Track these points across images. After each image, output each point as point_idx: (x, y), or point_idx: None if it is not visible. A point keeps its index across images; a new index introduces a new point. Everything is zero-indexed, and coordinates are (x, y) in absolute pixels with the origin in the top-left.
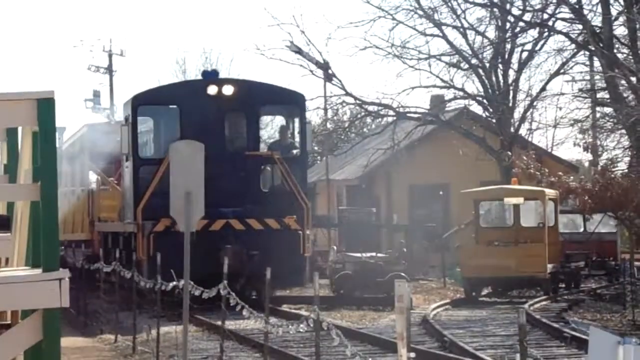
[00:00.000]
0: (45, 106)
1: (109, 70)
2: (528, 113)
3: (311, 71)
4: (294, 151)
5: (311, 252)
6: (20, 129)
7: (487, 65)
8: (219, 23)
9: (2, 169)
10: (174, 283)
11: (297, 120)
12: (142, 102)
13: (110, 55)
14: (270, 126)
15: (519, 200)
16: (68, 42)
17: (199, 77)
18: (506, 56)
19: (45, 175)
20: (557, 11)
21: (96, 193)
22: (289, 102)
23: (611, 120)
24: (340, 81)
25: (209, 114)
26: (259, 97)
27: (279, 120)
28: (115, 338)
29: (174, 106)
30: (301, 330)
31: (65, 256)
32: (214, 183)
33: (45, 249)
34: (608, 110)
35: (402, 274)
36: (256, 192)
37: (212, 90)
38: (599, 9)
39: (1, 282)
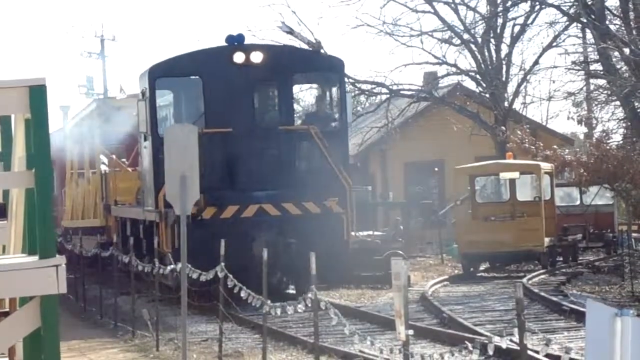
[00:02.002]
0: (37, 93)
1: (102, 55)
2: (521, 87)
3: None
4: (333, 124)
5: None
6: (13, 117)
7: (480, 40)
8: (210, 6)
9: None
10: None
11: (335, 89)
12: (160, 74)
13: (102, 41)
14: (305, 96)
15: (515, 174)
16: (60, 29)
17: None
18: (498, 30)
19: (39, 162)
20: None
21: (110, 175)
22: (325, 69)
23: (605, 92)
24: None
25: (236, 84)
26: (292, 65)
27: (315, 89)
28: (132, 334)
29: (197, 77)
30: (299, 310)
31: (73, 245)
32: (245, 163)
33: (42, 236)
34: (601, 82)
35: (399, 251)
36: (292, 172)
37: (238, 57)
38: None
39: None
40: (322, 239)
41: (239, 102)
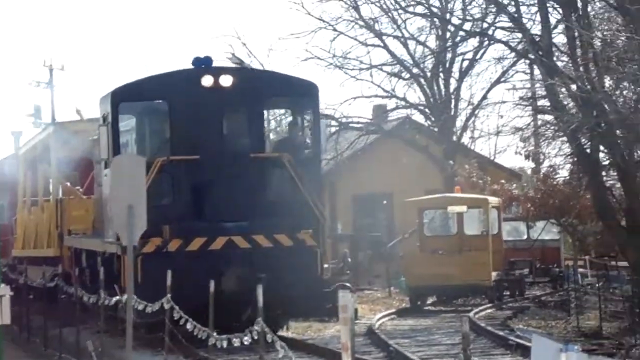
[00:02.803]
0: None
1: (50, 84)
2: (470, 121)
3: None
4: (306, 151)
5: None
6: None
7: (429, 74)
8: (160, 36)
9: None
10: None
11: (308, 115)
12: (123, 98)
13: (51, 70)
14: (277, 122)
15: (462, 208)
16: (8, 57)
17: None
18: (447, 65)
19: None
20: (496, 20)
21: (65, 203)
22: (299, 94)
23: (552, 127)
24: None
25: (204, 109)
26: (263, 89)
27: (288, 115)
28: None
29: (162, 101)
30: (245, 342)
31: (26, 275)
32: (213, 192)
33: None
34: (549, 117)
35: (347, 284)
36: (263, 201)
37: (207, 81)
38: (538, 18)
39: None
40: (294, 274)
41: (207, 128)
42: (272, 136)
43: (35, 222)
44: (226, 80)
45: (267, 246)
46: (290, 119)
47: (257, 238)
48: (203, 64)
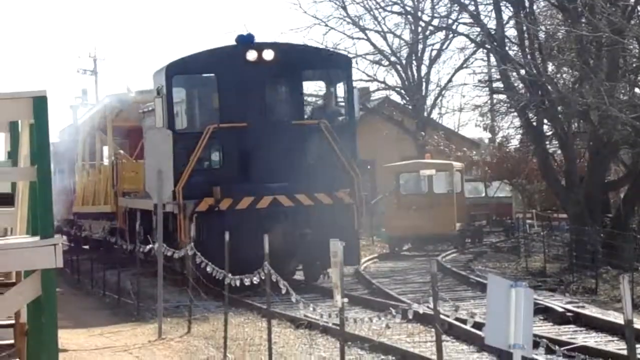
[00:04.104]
0: (39, 103)
1: (94, 72)
2: (438, 100)
3: None
4: (341, 118)
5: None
6: (20, 122)
7: (404, 62)
8: (178, 33)
9: (6, 155)
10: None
11: (343, 85)
12: (176, 72)
13: (95, 60)
14: (315, 91)
15: (432, 171)
16: (60, 48)
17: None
18: (419, 54)
19: (40, 160)
20: (459, 17)
21: (120, 165)
22: (333, 66)
23: (505, 105)
24: None
25: (248, 81)
26: (302, 61)
27: (324, 84)
28: (118, 301)
29: (211, 75)
30: (255, 282)
31: (87, 228)
32: (257, 156)
33: (42, 220)
34: (502, 97)
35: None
36: (303, 164)
37: (251, 55)
38: (493, 15)
39: (7, 248)
40: (334, 229)
41: (252, 98)
42: (310, 104)
43: (94, 182)
44: (268, 54)
45: (309, 204)
46: (326, 88)
47: (300, 197)
48: (247, 40)
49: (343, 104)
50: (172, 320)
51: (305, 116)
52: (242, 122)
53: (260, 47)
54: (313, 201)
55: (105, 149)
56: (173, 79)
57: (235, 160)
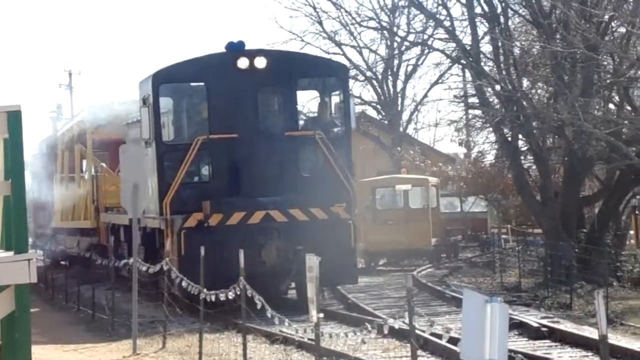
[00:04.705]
0: (14, 117)
1: (69, 87)
2: (413, 115)
3: None
4: (336, 129)
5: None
6: None
7: (380, 77)
8: (161, 45)
9: None
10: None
11: (338, 94)
12: (164, 80)
13: (70, 74)
14: (309, 101)
15: (408, 186)
16: (35, 62)
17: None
18: (395, 69)
19: (14, 175)
20: (434, 32)
21: (100, 179)
22: (329, 74)
23: (480, 120)
24: None
25: (240, 90)
26: (295, 69)
27: (319, 94)
28: (92, 316)
29: (201, 83)
30: (230, 297)
31: (64, 244)
32: (249, 168)
33: (16, 235)
34: (478, 112)
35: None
36: (297, 177)
37: (242, 63)
38: (469, 30)
39: None
40: (329, 246)
41: (243, 108)
42: (304, 115)
43: (73, 196)
44: (260, 62)
45: (303, 219)
46: (321, 98)
47: (293, 212)
48: (237, 48)
49: (338, 114)
50: (147, 336)
51: (299, 127)
52: (232, 132)
53: (252, 55)
54: (307, 216)
55: (85, 162)
56: (160, 87)
57: (225, 173)
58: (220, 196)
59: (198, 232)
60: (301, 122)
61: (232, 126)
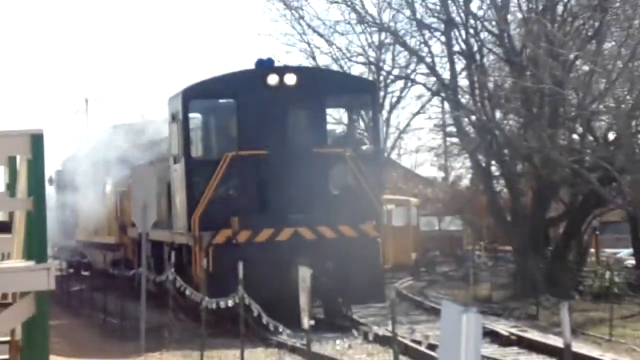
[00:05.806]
0: (36, 140)
1: (86, 112)
2: (397, 142)
3: None
4: (366, 147)
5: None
6: (18, 157)
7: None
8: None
9: (4, 186)
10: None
11: (368, 112)
12: (194, 96)
13: (86, 101)
14: (339, 118)
15: (391, 206)
16: (54, 89)
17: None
18: (380, 100)
19: (36, 191)
20: (417, 68)
21: (124, 195)
22: (358, 91)
23: (457, 147)
24: None
25: (269, 106)
26: (325, 87)
27: (348, 111)
28: (104, 320)
29: (230, 100)
30: (230, 305)
31: (88, 258)
32: (278, 185)
33: (36, 246)
34: (455, 140)
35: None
36: (326, 194)
37: (272, 80)
38: (448, 66)
39: (4, 271)
40: (358, 264)
41: (273, 124)
42: (334, 132)
43: (97, 212)
44: (290, 79)
45: (332, 237)
46: (351, 115)
47: (322, 229)
48: (267, 65)
49: (368, 131)
50: (153, 340)
51: (329, 144)
52: (262, 149)
53: (281, 71)
54: (336, 234)
55: (109, 179)
56: (190, 103)
57: (254, 190)
58: (248, 213)
59: (226, 249)
60: (330, 140)
61: (261, 142)
